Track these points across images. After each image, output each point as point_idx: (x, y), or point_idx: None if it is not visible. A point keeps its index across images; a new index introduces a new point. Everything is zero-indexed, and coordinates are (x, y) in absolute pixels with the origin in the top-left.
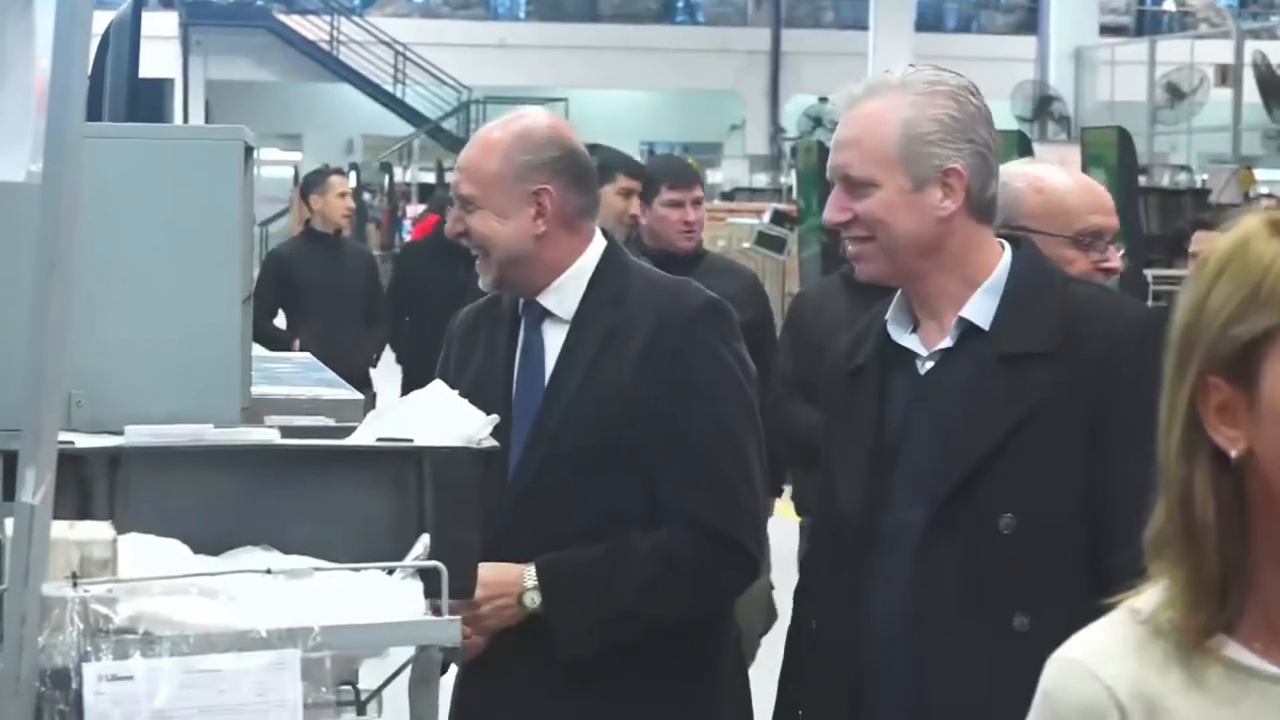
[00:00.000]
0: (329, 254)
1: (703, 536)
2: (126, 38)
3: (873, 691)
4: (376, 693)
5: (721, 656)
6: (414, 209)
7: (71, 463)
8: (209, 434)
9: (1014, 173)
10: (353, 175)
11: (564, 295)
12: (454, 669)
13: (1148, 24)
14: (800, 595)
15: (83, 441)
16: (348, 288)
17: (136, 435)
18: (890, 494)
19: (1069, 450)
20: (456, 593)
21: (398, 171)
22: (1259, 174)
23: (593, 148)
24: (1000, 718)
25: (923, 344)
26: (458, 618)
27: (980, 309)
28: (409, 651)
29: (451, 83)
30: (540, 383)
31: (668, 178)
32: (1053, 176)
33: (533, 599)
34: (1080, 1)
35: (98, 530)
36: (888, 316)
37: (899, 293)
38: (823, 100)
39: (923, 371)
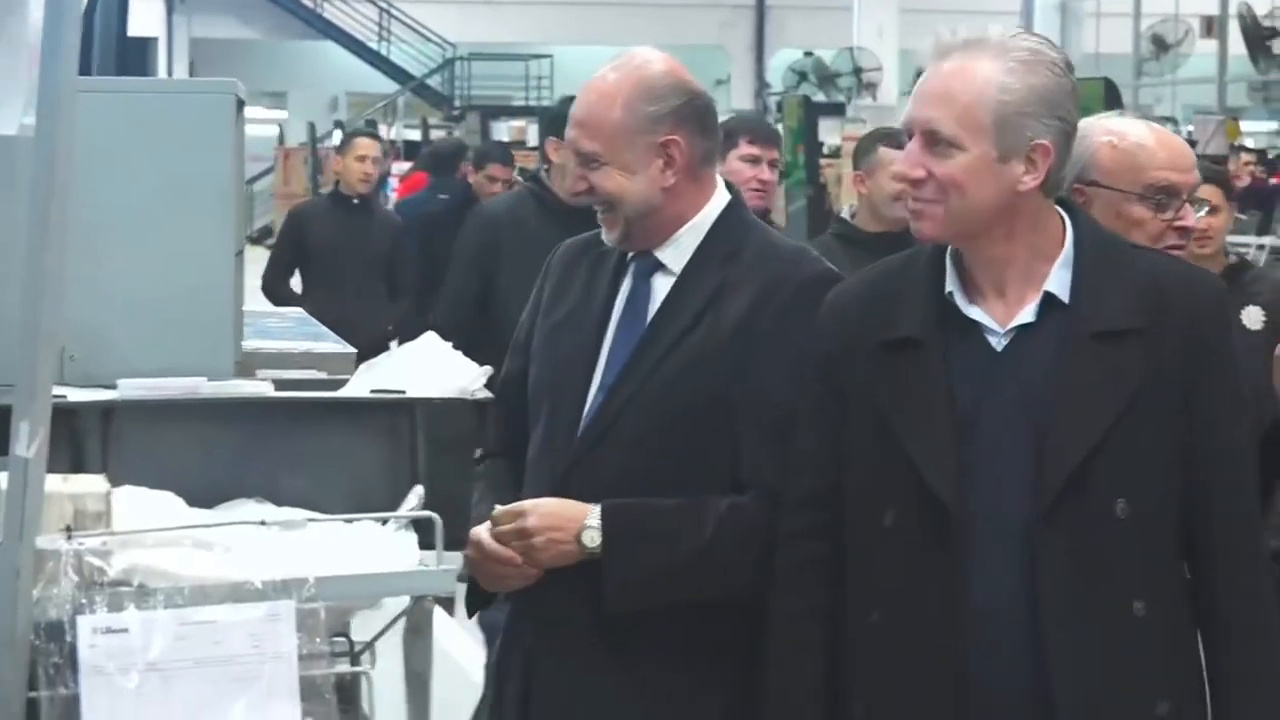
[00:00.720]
0: (351, 218)
1: (771, 506)
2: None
3: (979, 681)
4: (370, 644)
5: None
6: (400, 166)
7: (65, 416)
8: (202, 387)
9: (1094, 127)
10: (337, 133)
11: (680, 248)
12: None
13: None
14: (798, 586)
15: (75, 395)
16: (368, 254)
17: (129, 389)
18: (974, 478)
19: (1171, 430)
20: (450, 544)
21: (383, 129)
22: (1244, 125)
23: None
24: (1126, 702)
25: (992, 317)
26: (453, 567)
27: (1060, 282)
28: (403, 602)
29: (436, 39)
30: (639, 331)
31: (748, 132)
32: (1133, 131)
33: (592, 538)
34: None
35: (91, 483)
36: (950, 287)
37: (949, 261)
38: (808, 54)
39: (999, 347)
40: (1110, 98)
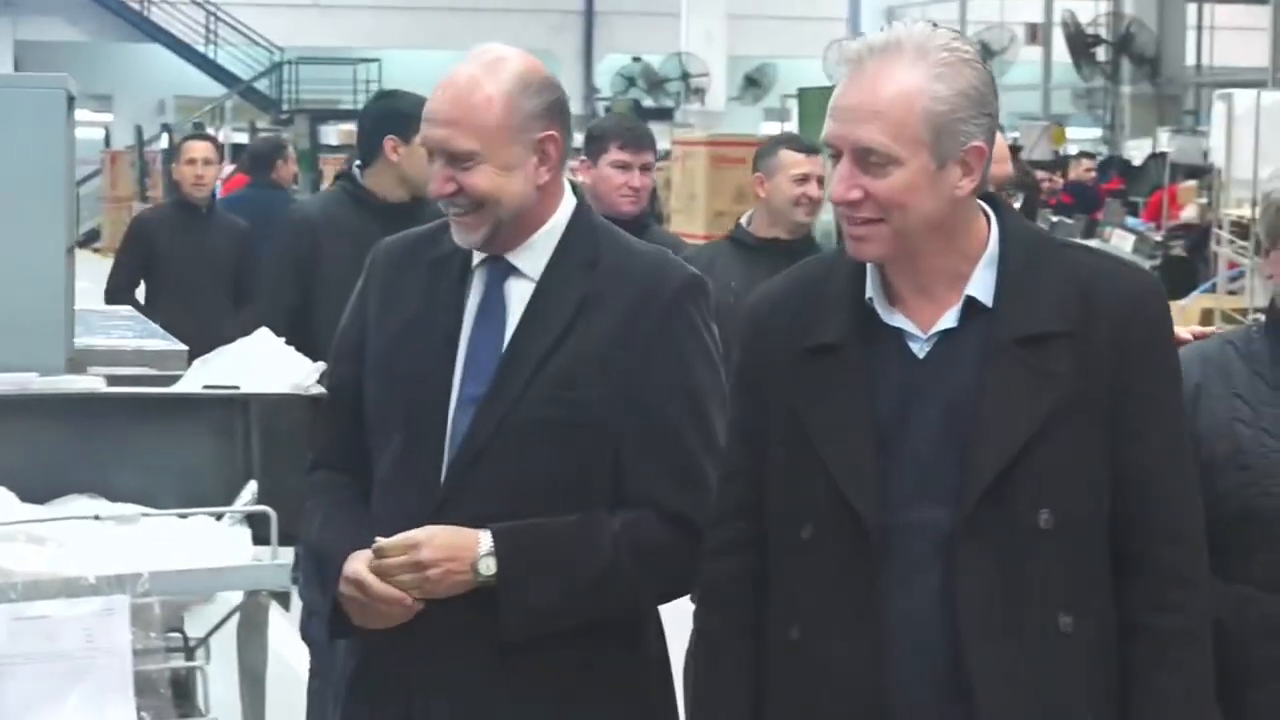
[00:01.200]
0: (194, 225)
1: (672, 523)
2: None
3: (900, 701)
4: (205, 639)
5: (652, 648)
6: (227, 168)
7: None
8: (33, 383)
9: None
10: (164, 136)
11: (535, 252)
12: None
13: None
14: (725, 602)
15: None
16: (214, 262)
17: None
18: (894, 489)
19: (1100, 437)
20: (284, 539)
21: (210, 132)
22: (1070, 132)
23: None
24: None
25: (915, 323)
26: (286, 562)
27: (983, 284)
28: (238, 597)
29: (264, 43)
30: (498, 342)
31: (618, 136)
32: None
33: (488, 566)
34: None
35: None
36: (870, 293)
37: (870, 267)
38: (636, 60)
39: (921, 354)
40: None
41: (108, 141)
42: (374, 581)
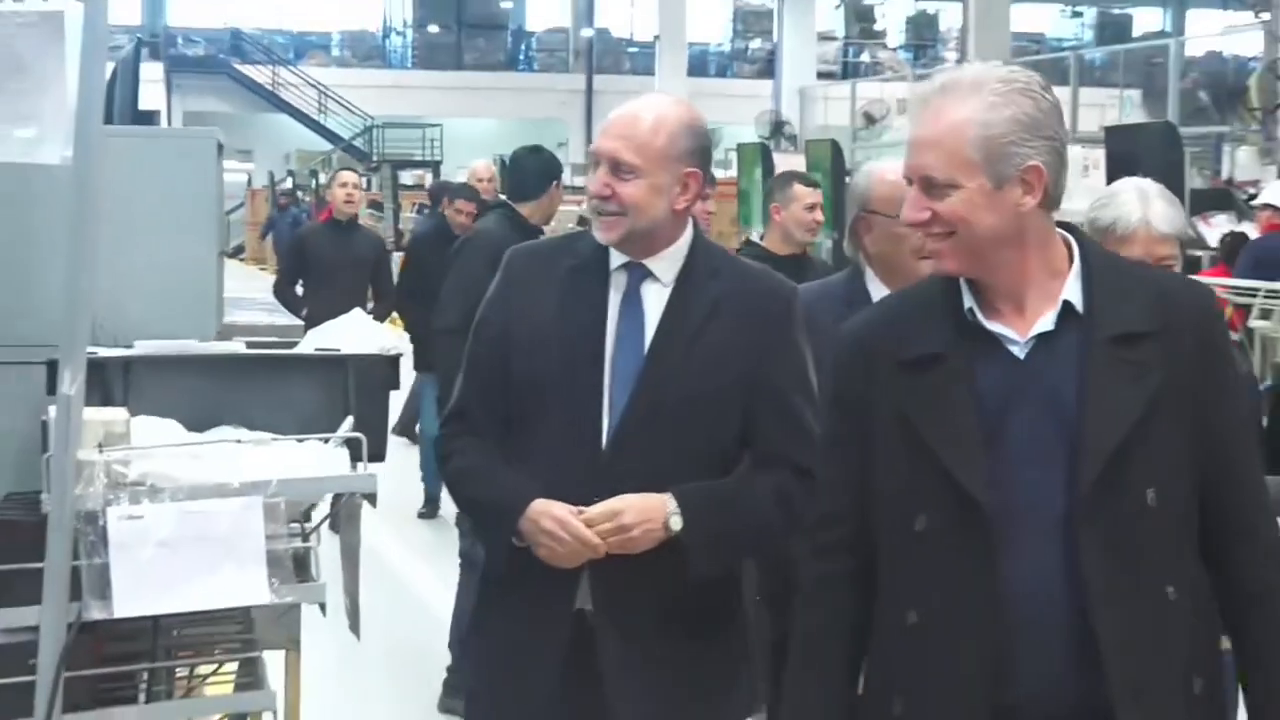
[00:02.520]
0: (342, 235)
1: (803, 476)
2: (130, 77)
3: (1019, 673)
4: (316, 527)
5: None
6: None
7: (96, 367)
8: (193, 346)
9: (870, 171)
10: (289, 179)
11: (668, 263)
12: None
13: (850, 70)
14: (826, 600)
15: (104, 352)
16: (356, 263)
17: (143, 347)
18: (1005, 477)
19: (1184, 422)
20: (372, 457)
21: (321, 176)
22: None
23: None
24: (1170, 681)
25: (1012, 330)
26: (374, 473)
27: (1074, 292)
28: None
29: (359, 113)
30: (641, 332)
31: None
32: (894, 171)
33: (676, 522)
34: (803, 55)
35: (116, 414)
36: (969, 304)
37: (964, 282)
38: None
39: (1021, 356)
40: (836, 155)
41: (249, 183)
42: (582, 528)
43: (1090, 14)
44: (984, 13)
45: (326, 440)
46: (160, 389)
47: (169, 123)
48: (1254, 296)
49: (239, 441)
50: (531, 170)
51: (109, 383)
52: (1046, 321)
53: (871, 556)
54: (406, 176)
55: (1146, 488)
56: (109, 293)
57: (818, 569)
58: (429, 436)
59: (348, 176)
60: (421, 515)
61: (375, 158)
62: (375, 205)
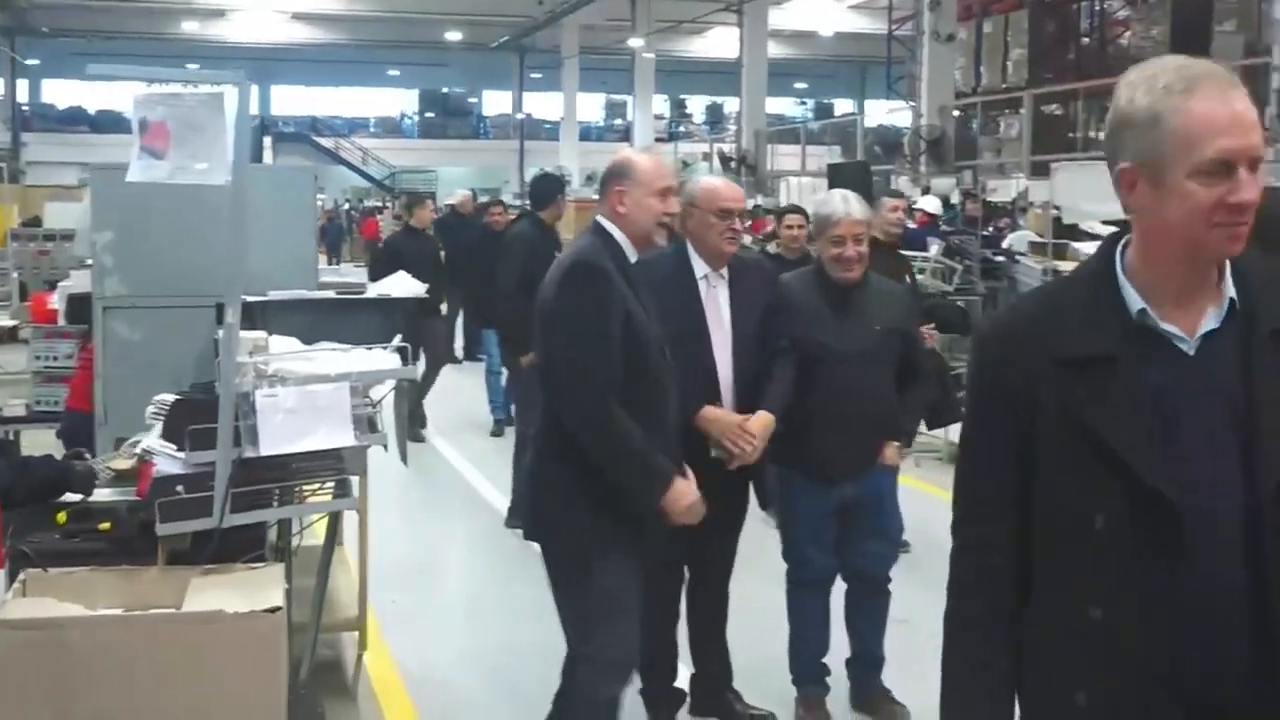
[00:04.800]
0: (419, 239)
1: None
2: (258, 139)
3: (1202, 665)
4: (380, 400)
5: None
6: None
7: (246, 307)
8: (303, 294)
9: (689, 183)
10: (347, 204)
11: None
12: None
13: (674, 136)
14: (980, 586)
15: (250, 298)
16: (428, 259)
17: (274, 295)
18: (1184, 472)
19: None
20: (414, 358)
21: (366, 202)
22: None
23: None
24: None
25: (1178, 328)
26: (416, 367)
27: (1233, 290)
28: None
29: (386, 165)
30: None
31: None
32: (711, 180)
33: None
34: (646, 127)
35: (259, 334)
36: (1142, 305)
37: (1126, 282)
38: (544, 171)
39: (1191, 352)
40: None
41: (323, 206)
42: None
43: (811, 103)
44: (751, 103)
45: (386, 348)
46: (285, 320)
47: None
48: (911, 261)
49: (334, 349)
50: (546, 187)
51: (254, 316)
52: (1212, 319)
53: (1021, 548)
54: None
55: None
56: (255, 263)
57: (968, 565)
58: (494, 371)
59: (429, 204)
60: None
61: (396, 191)
62: (397, 217)
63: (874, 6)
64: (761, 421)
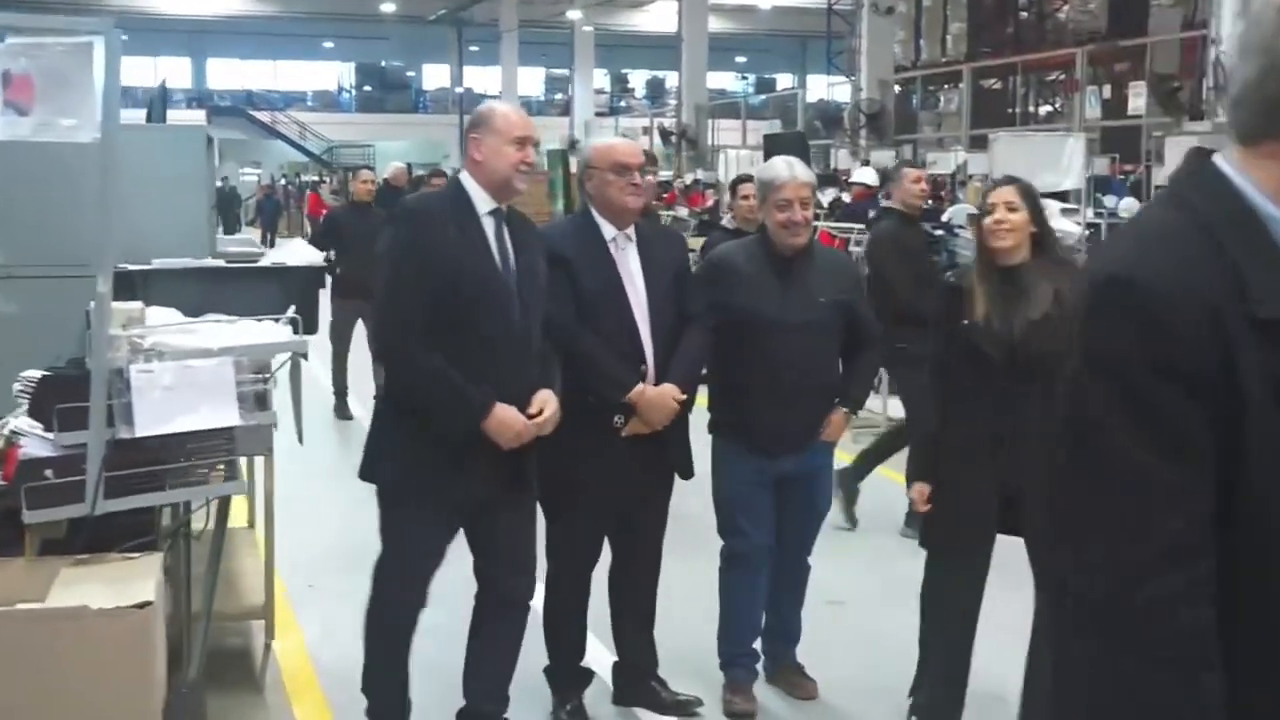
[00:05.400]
0: (361, 214)
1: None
2: (161, 102)
3: None
4: (273, 374)
5: None
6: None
7: (125, 277)
8: (190, 262)
9: (584, 145)
10: (283, 179)
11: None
12: None
13: (614, 110)
14: (1203, 649)
15: (131, 266)
16: (370, 234)
17: (158, 263)
18: None
19: None
20: (306, 330)
21: (303, 176)
22: (663, 173)
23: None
24: None
25: None
26: (309, 338)
27: None
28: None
29: (324, 139)
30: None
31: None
32: (602, 143)
33: None
34: (586, 101)
35: (134, 305)
36: None
37: None
38: None
39: None
40: (564, 160)
41: (259, 181)
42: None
43: (752, 78)
44: (692, 78)
45: (278, 320)
46: (171, 291)
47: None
48: (850, 233)
49: (217, 321)
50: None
51: (135, 286)
52: None
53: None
54: (353, 178)
55: None
56: (141, 229)
57: (1185, 623)
58: None
59: (366, 174)
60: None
61: (334, 166)
62: (334, 193)
63: None
64: (672, 394)
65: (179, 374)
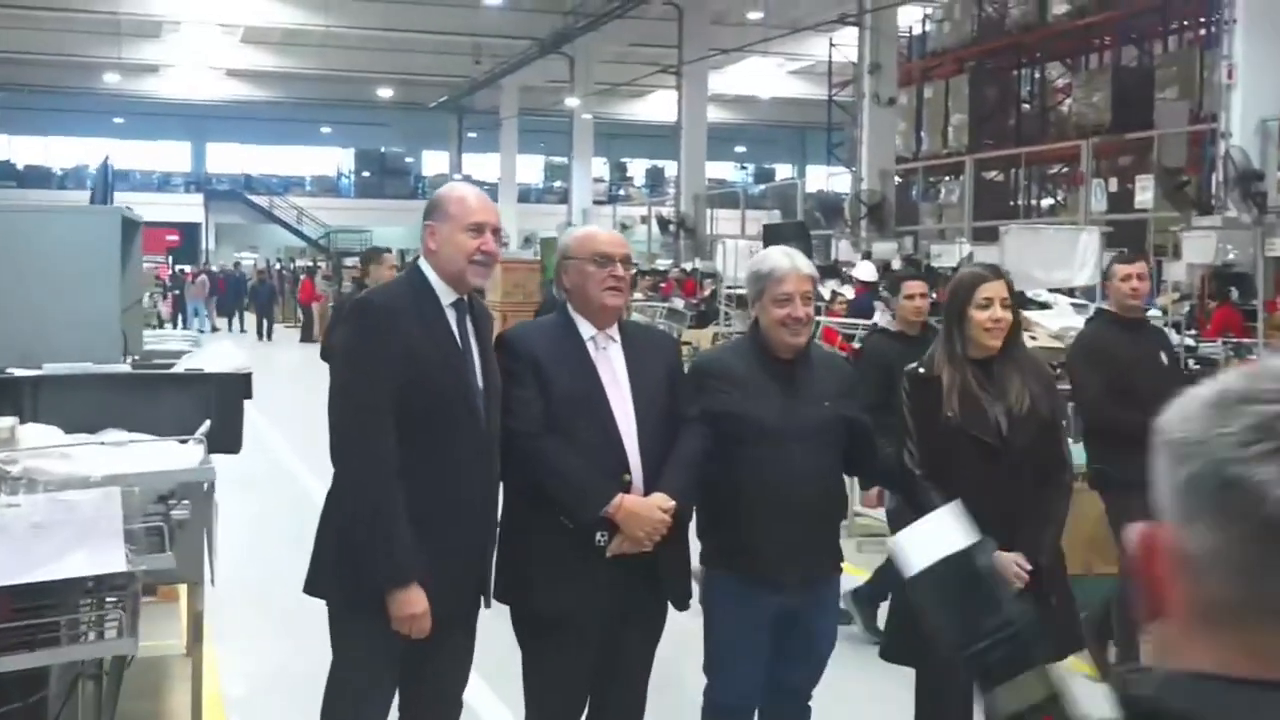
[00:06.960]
0: None
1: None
2: (104, 182)
3: None
4: (170, 510)
5: None
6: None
7: (10, 385)
8: (89, 368)
9: (563, 234)
10: (277, 264)
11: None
12: None
13: (613, 199)
14: None
15: (18, 372)
16: None
17: (50, 369)
18: None
19: None
20: (227, 449)
21: (301, 261)
22: (660, 263)
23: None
24: None
25: None
26: (213, 465)
27: None
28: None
29: (322, 224)
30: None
31: None
32: (580, 230)
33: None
34: (585, 189)
35: (5, 422)
36: None
37: None
38: None
39: None
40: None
41: (255, 265)
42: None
43: (751, 167)
44: (690, 167)
45: (186, 441)
46: (63, 401)
47: (206, 229)
48: (854, 330)
49: (102, 443)
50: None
51: (21, 395)
52: None
53: None
54: (349, 260)
55: None
56: (33, 325)
57: None
58: None
59: (389, 259)
60: None
61: (330, 250)
62: (326, 278)
63: (814, 72)
64: (659, 504)
65: (53, 509)
